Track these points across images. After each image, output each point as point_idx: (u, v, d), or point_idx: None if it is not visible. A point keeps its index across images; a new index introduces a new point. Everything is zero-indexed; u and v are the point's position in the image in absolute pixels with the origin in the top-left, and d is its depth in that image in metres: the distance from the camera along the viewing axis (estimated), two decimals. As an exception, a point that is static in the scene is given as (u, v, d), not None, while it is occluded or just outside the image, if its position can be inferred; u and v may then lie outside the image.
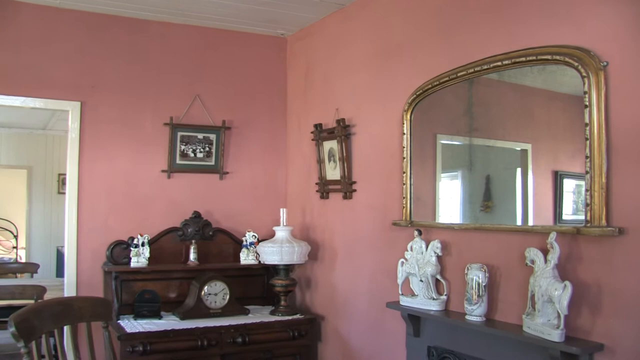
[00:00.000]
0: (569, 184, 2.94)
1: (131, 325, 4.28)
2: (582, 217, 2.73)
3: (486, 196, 3.39)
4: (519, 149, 3.34)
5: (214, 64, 5.15)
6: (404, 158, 3.81)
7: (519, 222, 3.16)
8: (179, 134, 4.92)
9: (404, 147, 3.81)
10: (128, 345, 4.04)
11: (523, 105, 3.22)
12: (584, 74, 2.62)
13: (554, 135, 3.05)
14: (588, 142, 2.62)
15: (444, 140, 3.84)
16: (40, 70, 4.54)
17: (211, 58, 5.14)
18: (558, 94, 3.04)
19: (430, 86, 3.58)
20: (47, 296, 4.99)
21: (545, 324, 2.73)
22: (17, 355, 5.08)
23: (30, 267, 8.07)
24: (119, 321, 4.39)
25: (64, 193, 10.21)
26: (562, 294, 2.61)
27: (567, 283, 2.60)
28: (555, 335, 2.64)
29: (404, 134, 3.80)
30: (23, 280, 7.53)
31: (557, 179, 2.99)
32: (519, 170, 3.27)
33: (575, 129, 2.76)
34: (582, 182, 2.75)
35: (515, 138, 3.32)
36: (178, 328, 4.24)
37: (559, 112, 3.04)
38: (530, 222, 3.08)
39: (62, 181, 10.64)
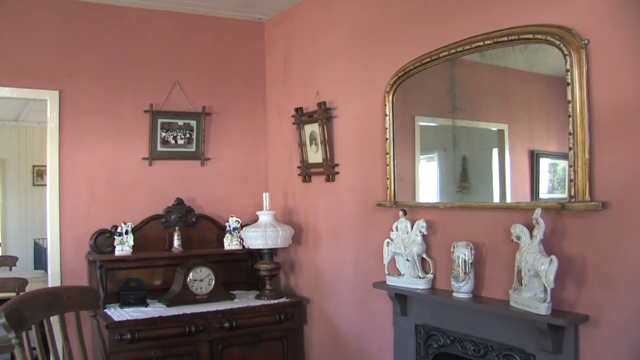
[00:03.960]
0: (544, 163, 2.99)
1: (118, 313, 4.28)
2: (558, 196, 2.80)
3: (463, 177, 3.43)
4: (495, 129, 3.38)
5: (193, 50, 5.12)
6: (386, 139, 3.84)
7: (496, 202, 3.22)
8: (160, 120, 4.90)
9: (386, 129, 3.83)
10: (116, 334, 4.04)
11: (502, 86, 3.26)
12: (566, 53, 2.66)
13: (530, 115, 3.10)
14: (571, 119, 2.66)
15: (422, 122, 3.88)
16: (16, 59, 4.48)
17: (190, 44, 5.11)
18: (538, 75, 3.09)
19: (412, 67, 3.61)
20: (29, 288, 4.95)
21: (532, 298, 2.79)
22: (6, 348, 5.07)
23: (8, 260, 7.98)
24: (105, 310, 4.38)
25: (39, 185, 10.25)
26: (548, 268, 2.66)
27: (553, 257, 2.66)
28: (542, 309, 2.70)
29: (386, 115, 3.83)
30: (1, 273, 7.45)
31: (534, 158, 3.04)
32: (495, 150, 3.32)
33: (552, 109, 2.82)
34: (558, 161, 2.81)
35: (493, 118, 3.36)
36: (165, 315, 4.25)
37: (536, 93, 3.09)
38: (508, 202, 3.14)
39: (36, 173, 10.53)
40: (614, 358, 2.59)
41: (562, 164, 2.77)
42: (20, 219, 10.49)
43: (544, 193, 2.98)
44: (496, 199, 3.24)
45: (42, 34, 4.57)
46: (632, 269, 2.51)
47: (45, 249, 5.23)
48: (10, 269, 7.81)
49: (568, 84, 2.68)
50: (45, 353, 3.18)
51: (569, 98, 2.68)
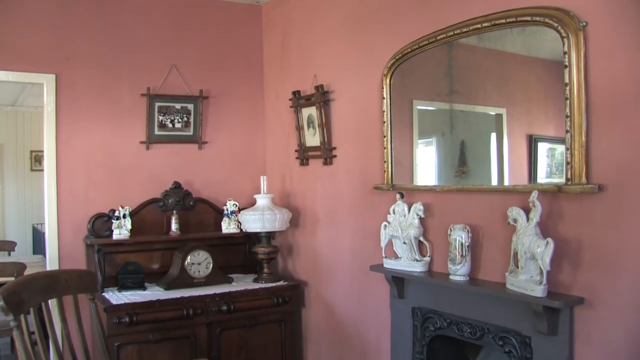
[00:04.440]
0: (543, 148, 2.99)
1: (116, 297, 4.29)
2: (556, 181, 2.80)
3: (461, 162, 3.43)
4: (493, 113, 3.38)
5: (190, 33, 5.10)
6: (384, 122, 3.83)
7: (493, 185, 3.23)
8: (157, 104, 4.88)
9: (384, 111, 3.83)
10: (114, 317, 4.06)
11: (500, 70, 3.26)
12: (564, 35, 2.65)
13: (528, 99, 3.10)
14: (568, 101, 2.66)
15: (420, 106, 3.87)
16: (11, 43, 4.45)
17: (187, 27, 5.09)
18: (536, 59, 3.08)
19: (409, 50, 3.60)
20: (27, 273, 4.95)
21: (528, 281, 2.81)
22: (6, 332, 5.09)
23: (6, 245, 8.00)
24: (103, 294, 4.40)
25: (37, 170, 10.24)
26: (544, 250, 2.68)
27: (549, 240, 2.67)
28: (538, 291, 2.71)
29: (383, 98, 3.82)
30: (0, 258, 7.46)
31: (532, 142, 3.04)
32: (493, 135, 3.31)
33: (550, 93, 2.81)
34: (556, 146, 2.81)
35: (491, 102, 3.36)
36: (163, 298, 4.26)
37: (535, 77, 3.09)
38: (505, 185, 3.14)
39: (34, 158, 10.51)
40: (608, 340, 2.61)
41: (560, 148, 2.76)
42: (19, 204, 10.49)
43: (542, 178, 2.98)
44: (494, 183, 3.24)
45: (38, 17, 4.53)
46: (628, 251, 2.52)
47: (44, 234, 5.24)
48: (9, 254, 7.83)
49: (565, 66, 2.67)
50: (44, 337, 3.20)
51: (567, 81, 2.67)
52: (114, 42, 4.79)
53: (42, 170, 4.93)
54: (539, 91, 3.04)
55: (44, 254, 5.58)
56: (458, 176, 3.42)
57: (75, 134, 4.66)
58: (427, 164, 3.77)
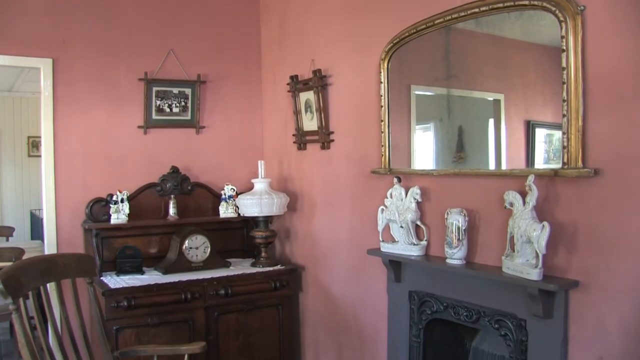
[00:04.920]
0: (540, 134, 3.00)
1: (114, 281, 4.31)
2: (554, 167, 2.81)
3: (459, 147, 3.44)
4: (491, 99, 3.38)
5: (187, 17, 5.08)
6: (381, 106, 3.83)
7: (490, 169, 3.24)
8: (154, 89, 4.87)
9: (381, 96, 3.83)
10: (113, 301, 4.07)
11: (498, 55, 3.26)
12: (562, 19, 2.65)
13: (526, 85, 3.10)
14: (565, 86, 2.66)
15: (418, 91, 3.87)
16: (7, 27, 4.42)
17: (184, 11, 5.06)
18: (534, 44, 3.07)
19: (407, 34, 3.59)
20: (25, 258, 4.97)
21: (524, 264, 2.83)
22: (5, 316, 5.11)
23: (4, 231, 8.03)
24: (101, 278, 4.42)
25: (34, 156, 10.23)
26: (540, 234, 2.69)
27: (545, 223, 2.69)
28: (534, 274, 2.73)
29: (381, 82, 3.82)
30: (-1, 243, 7.50)
31: (530, 128, 3.04)
32: (491, 120, 3.32)
33: (548, 79, 2.81)
34: (554, 132, 2.81)
35: (489, 88, 3.36)
36: (161, 282, 4.28)
37: (532, 63, 3.08)
38: (502, 169, 3.15)
39: (32, 144, 10.50)
40: (602, 322, 2.63)
41: (558, 134, 2.77)
42: (16, 190, 10.49)
43: (539, 164, 2.98)
44: (491, 168, 3.25)
45: (34, 1, 4.51)
46: (623, 235, 2.54)
47: (42, 219, 5.25)
48: (7, 240, 7.85)
49: (563, 50, 2.67)
50: (43, 322, 3.22)
51: (564, 65, 2.67)
52: (111, 26, 4.77)
53: (40, 156, 4.93)
54: (536, 77, 3.04)
55: (42, 239, 5.60)
56: (456, 162, 3.43)
57: (72, 118, 4.65)
58: (425, 150, 3.77)
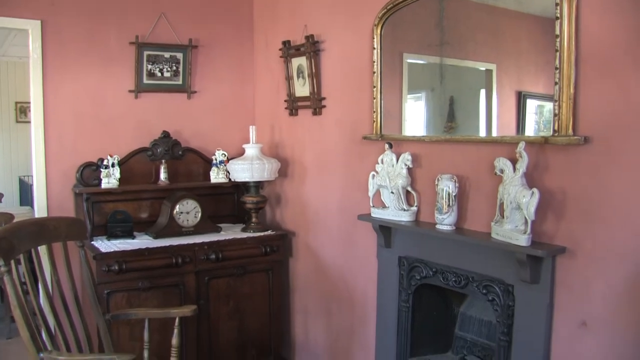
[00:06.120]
0: (531, 105, 3.01)
1: (105, 245, 4.32)
2: (544, 134, 2.82)
3: (450, 117, 3.44)
4: (483, 69, 3.37)
5: (179, -21, 5.01)
6: (374, 72, 3.82)
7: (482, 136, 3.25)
8: (145, 53, 4.82)
9: (374, 62, 3.81)
10: (104, 265, 4.09)
11: (491, 23, 3.24)
12: (555, -15, 2.64)
13: (518, 55, 3.09)
14: (558, 53, 2.66)
15: (410, 59, 3.86)
16: (-6, -13, 4.36)
17: (175, -26, 5.00)
18: (526, 14, 3.06)
19: (401, 0, 3.57)
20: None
21: (513, 230, 2.86)
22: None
23: (-8, 197, 7.99)
24: (92, 242, 4.42)
25: (22, 122, 10.11)
26: (529, 200, 2.72)
27: (535, 190, 2.71)
28: (523, 240, 2.76)
29: (374, 48, 3.80)
30: (-12, 209, 7.46)
31: (521, 99, 3.05)
32: (483, 91, 3.32)
33: (541, 49, 2.81)
34: (545, 103, 2.82)
35: (481, 57, 3.35)
36: (152, 247, 4.29)
37: (525, 33, 3.07)
38: (494, 135, 3.17)
39: (19, 110, 10.38)
40: (587, 288, 2.68)
41: (549, 106, 2.77)
42: (4, 157, 10.38)
43: (530, 134, 2.99)
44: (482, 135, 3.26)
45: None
46: (610, 202, 2.57)
47: (31, 185, 5.22)
48: (-4, 206, 7.82)
49: (557, 18, 2.66)
50: (35, 285, 3.23)
51: (557, 32, 2.67)
52: (100, -13, 4.71)
53: (28, 122, 4.88)
54: (529, 47, 3.03)
55: (31, 205, 5.58)
56: (447, 132, 3.43)
57: (62, 82, 4.60)
58: (416, 119, 3.77)
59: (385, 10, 3.69)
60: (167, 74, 4.95)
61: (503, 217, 2.94)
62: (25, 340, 2.89)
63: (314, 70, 4.44)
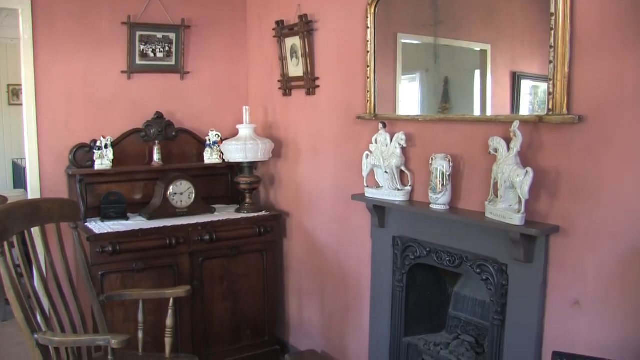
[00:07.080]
0: (526, 85, 3.00)
1: (99, 226, 4.31)
2: (538, 114, 2.81)
3: (444, 98, 3.43)
4: (478, 49, 3.35)
5: (171, -42, 4.96)
6: (368, 52, 3.80)
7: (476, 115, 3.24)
8: (138, 33, 4.78)
9: (368, 41, 3.79)
10: (97, 246, 4.08)
11: (486, 2, 3.22)
12: (551, -37, 2.62)
13: (513, 35, 3.08)
14: (553, 32, 2.65)
15: (404, 40, 3.84)
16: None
17: (167, -48, 4.94)
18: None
19: (394, -22, 3.55)
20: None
21: (507, 209, 2.86)
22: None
23: (-14, 180, 7.96)
24: (86, 224, 4.41)
25: (15, 104, 10.04)
26: (523, 179, 2.72)
27: (529, 169, 2.71)
28: (516, 219, 2.76)
29: (368, 28, 3.78)
30: (-20, 191, 7.43)
31: (515, 80, 3.04)
32: (477, 72, 3.30)
33: (536, 29, 2.79)
34: (539, 84, 2.81)
35: (476, 37, 3.33)
36: (146, 227, 4.29)
37: (520, 11, 3.05)
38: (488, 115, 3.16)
39: (12, 92, 10.31)
40: (580, 267, 2.69)
41: (543, 86, 2.76)
42: (-3, 139, 10.34)
43: (524, 115, 2.99)
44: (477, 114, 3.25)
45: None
46: (604, 182, 2.57)
47: (24, 168, 5.20)
48: (-11, 188, 7.79)
49: (552, -5, 2.65)
50: (29, 267, 3.23)
51: (552, 10, 2.65)
52: (91, -34, 4.65)
53: (20, 104, 4.84)
54: (524, 26, 3.02)
55: (24, 188, 5.56)
56: (441, 113, 3.42)
57: (54, 63, 4.56)
58: (410, 100, 3.76)
59: (379, -12, 3.66)
60: (159, 55, 4.91)
61: (497, 196, 2.94)
62: (20, 321, 2.90)
63: (307, 50, 4.41)
